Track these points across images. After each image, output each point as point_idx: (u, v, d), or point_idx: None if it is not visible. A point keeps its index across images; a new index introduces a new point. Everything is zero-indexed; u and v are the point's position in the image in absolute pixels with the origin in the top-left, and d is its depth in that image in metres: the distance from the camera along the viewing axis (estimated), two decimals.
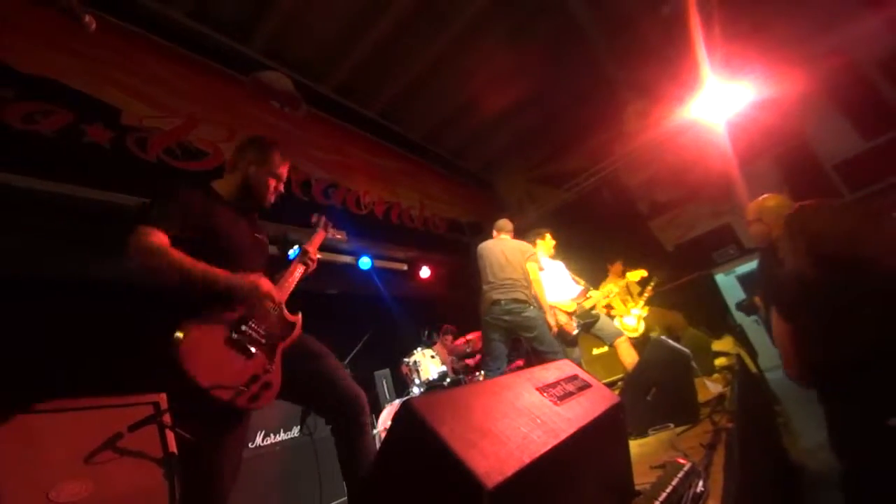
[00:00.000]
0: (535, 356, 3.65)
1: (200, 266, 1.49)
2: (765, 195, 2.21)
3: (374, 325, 3.49)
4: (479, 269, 3.72)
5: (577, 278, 4.15)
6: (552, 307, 3.81)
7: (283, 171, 1.93)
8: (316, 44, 4.55)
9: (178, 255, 1.48)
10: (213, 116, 3.85)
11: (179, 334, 1.42)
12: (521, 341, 4.10)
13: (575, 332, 3.79)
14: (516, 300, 3.45)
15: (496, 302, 3.47)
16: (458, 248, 6.16)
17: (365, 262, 4.99)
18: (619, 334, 3.84)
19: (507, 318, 3.44)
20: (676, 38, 4.74)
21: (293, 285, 1.87)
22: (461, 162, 7.13)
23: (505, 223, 3.97)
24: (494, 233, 3.95)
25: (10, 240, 2.77)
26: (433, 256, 5.74)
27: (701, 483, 1.24)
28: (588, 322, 3.85)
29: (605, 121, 6.31)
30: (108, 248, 3.23)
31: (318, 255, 2.05)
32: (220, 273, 1.52)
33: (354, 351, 3.28)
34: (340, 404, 1.72)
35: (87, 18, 1.42)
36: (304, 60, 4.68)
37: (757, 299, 2.85)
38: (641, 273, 4.55)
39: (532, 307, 3.48)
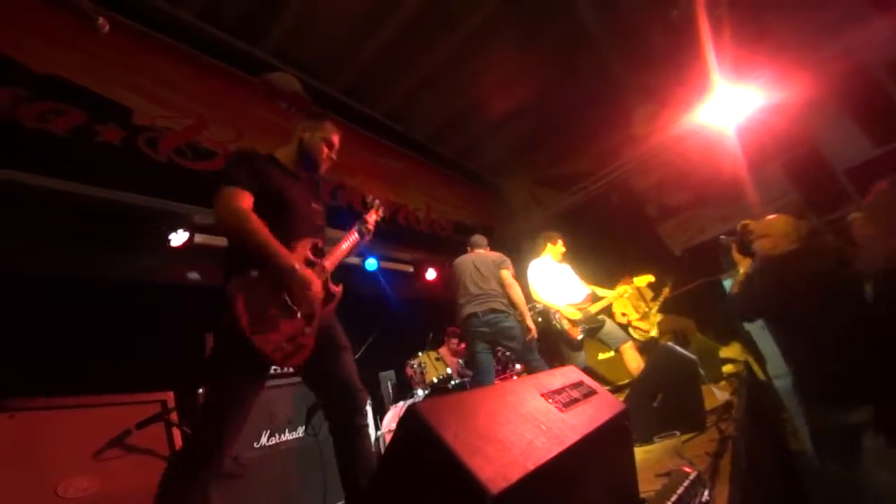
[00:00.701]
0: (525, 367, 3.64)
1: (275, 243, 1.62)
2: (773, 215, 2.27)
3: (379, 326, 3.50)
4: (454, 285, 3.74)
5: (584, 283, 4.13)
6: (556, 311, 3.80)
7: (335, 138, 2.11)
8: (323, 45, 4.58)
9: (261, 225, 1.62)
10: (222, 117, 3.88)
11: (233, 280, 1.54)
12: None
13: (579, 337, 3.77)
14: (493, 310, 3.44)
15: (473, 315, 3.47)
16: (465, 251, 6.15)
17: (371, 264, 5.00)
18: (625, 340, 3.81)
19: (485, 329, 3.43)
20: (685, 42, 4.71)
21: (346, 253, 2.04)
22: (468, 164, 7.13)
23: (479, 239, 4.00)
24: (469, 249, 3.97)
25: (22, 237, 2.81)
26: (439, 258, 5.75)
27: (706, 492, 1.23)
28: (594, 327, 3.83)
29: (614, 124, 6.28)
30: (118, 246, 3.27)
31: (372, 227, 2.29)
32: (285, 257, 1.63)
33: (360, 352, 3.28)
34: (344, 402, 1.78)
35: (101, 21, 1.45)
36: (312, 62, 4.71)
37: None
38: (648, 278, 4.52)
39: (511, 316, 3.46)
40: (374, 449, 3.77)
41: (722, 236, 2.36)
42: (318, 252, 1.85)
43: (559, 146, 6.95)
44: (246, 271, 1.59)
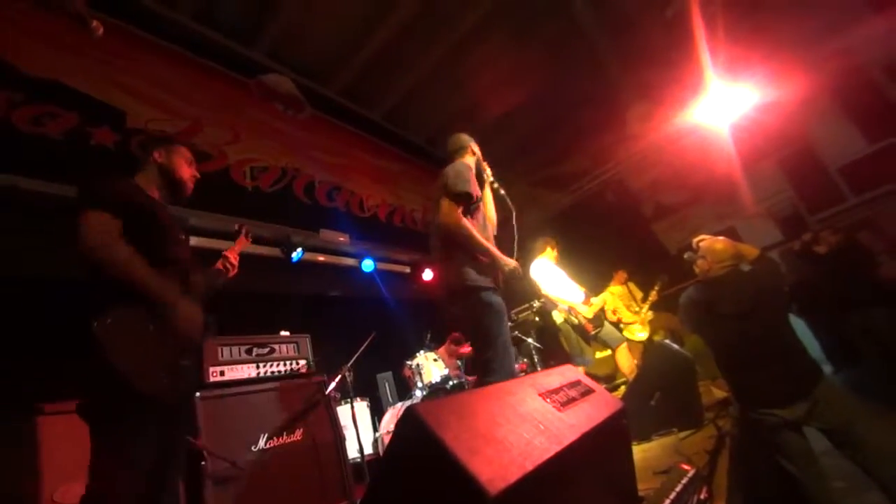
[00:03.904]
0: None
1: (155, 277, 1.49)
2: (716, 238, 2.38)
3: (376, 327, 3.48)
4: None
5: (578, 285, 4.18)
6: (571, 308, 3.86)
7: (191, 156, 1.97)
8: (320, 47, 4.57)
9: (137, 258, 1.48)
10: (218, 119, 3.87)
11: (101, 319, 1.40)
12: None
13: (594, 332, 3.85)
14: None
15: None
16: None
17: (368, 265, 5.00)
18: (622, 340, 3.89)
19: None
20: (680, 41, 4.73)
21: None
22: None
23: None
24: None
25: (17, 241, 2.79)
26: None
27: (705, 489, 1.24)
28: (598, 327, 3.90)
29: (609, 124, 6.29)
30: None
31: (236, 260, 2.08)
32: (167, 291, 1.51)
33: (358, 353, 3.28)
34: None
35: (95, 24, 1.44)
36: (309, 63, 4.70)
37: None
38: (639, 293, 4.65)
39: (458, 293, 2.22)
40: (372, 450, 3.77)
41: (687, 253, 2.45)
42: (189, 280, 1.72)
43: (555, 146, 6.96)
44: (114, 307, 1.44)
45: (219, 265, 1.98)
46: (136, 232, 1.55)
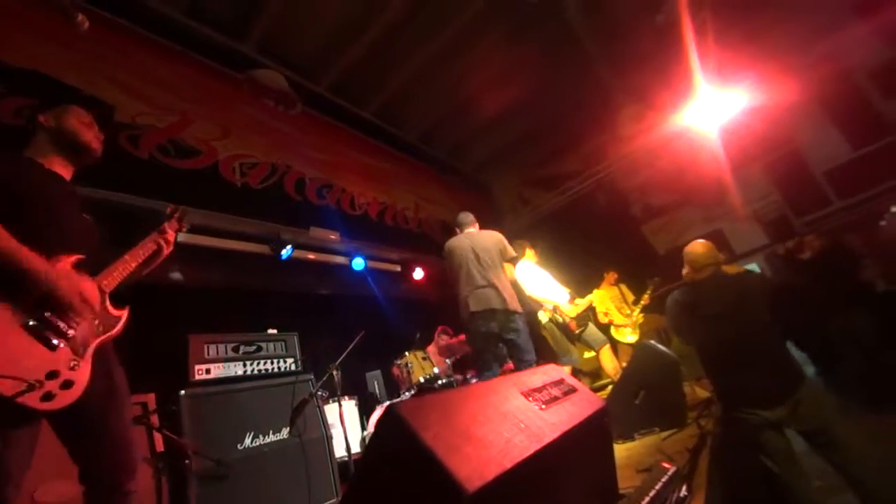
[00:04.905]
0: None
1: (17, 244, 1.25)
2: (696, 242, 2.44)
3: (366, 325, 3.47)
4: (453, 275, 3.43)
5: (563, 286, 4.23)
6: (556, 307, 3.91)
7: (88, 118, 1.72)
8: (312, 42, 4.55)
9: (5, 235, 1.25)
10: (208, 114, 3.83)
11: None
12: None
13: (578, 331, 3.91)
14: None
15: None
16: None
17: (358, 263, 4.99)
18: (605, 342, 3.95)
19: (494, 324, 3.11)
20: (670, 45, 4.78)
21: (134, 269, 1.63)
22: (456, 164, 7.14)
23: (465, 217, 3.75)
24: (457, 230, 3.68)
25: None
26: (427, 258, 5.75)
27: (685, 487, 1.26)
28: (582, 327, 3.97)
29: (600, 125, 6.35)
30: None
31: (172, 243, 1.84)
32: (32, 259, 1.27)
33: (346, 351, 3.27)
34: (111, 463, 1.43)
35: (80, 18, 1.42)
36: (300, 59, 4.67)
37: None
38: (631, 296, 4.71)
39: (518, 313, 3.15)
40: (360, 449, 3.76)
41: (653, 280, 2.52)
42: (84, 267, 1.45)
43: (547, 146, 7.00)
44: None
45: (151, 240, 1.72)
46: (15, 212, 1.33)
